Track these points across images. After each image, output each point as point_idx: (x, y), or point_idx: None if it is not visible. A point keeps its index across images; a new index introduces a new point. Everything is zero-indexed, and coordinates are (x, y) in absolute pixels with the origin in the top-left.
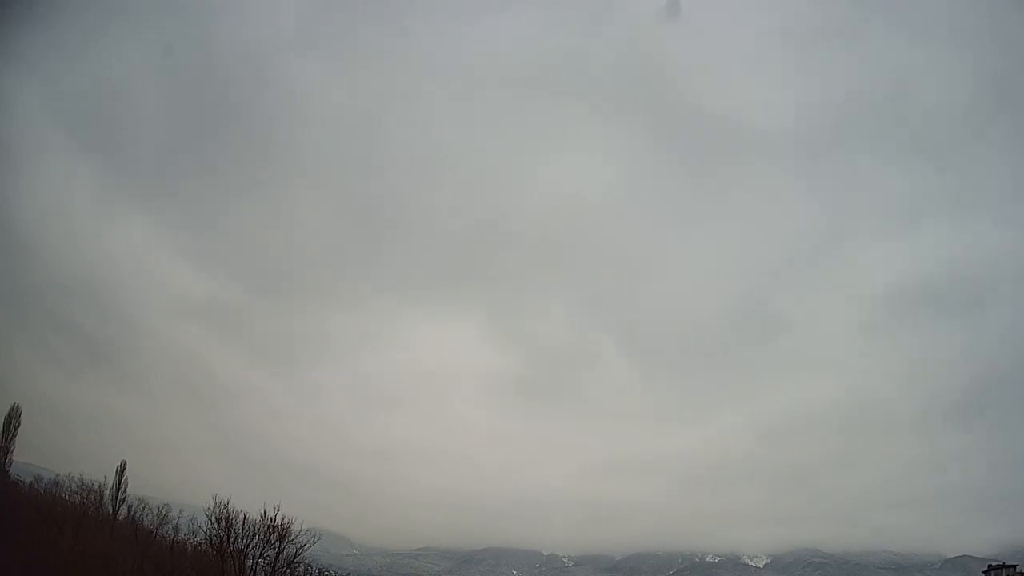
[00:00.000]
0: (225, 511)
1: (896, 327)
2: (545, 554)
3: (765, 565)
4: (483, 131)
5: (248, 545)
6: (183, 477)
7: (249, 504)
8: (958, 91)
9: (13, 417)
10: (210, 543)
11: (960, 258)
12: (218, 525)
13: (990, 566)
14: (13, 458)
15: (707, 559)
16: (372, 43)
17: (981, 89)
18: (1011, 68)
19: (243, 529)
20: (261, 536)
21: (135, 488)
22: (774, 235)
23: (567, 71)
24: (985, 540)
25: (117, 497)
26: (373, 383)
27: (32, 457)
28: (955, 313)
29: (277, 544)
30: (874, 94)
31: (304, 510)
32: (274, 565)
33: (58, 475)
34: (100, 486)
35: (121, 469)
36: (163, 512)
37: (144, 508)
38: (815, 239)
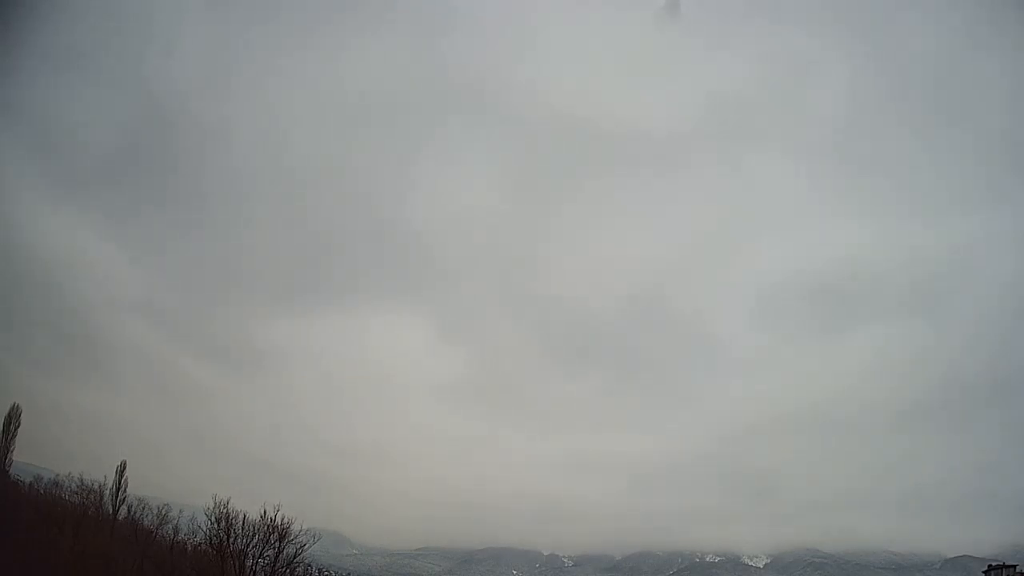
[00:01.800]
0: (225, 511)
1: (852, 325)
2: (545, 554)
3: (765, 565)
4: (379, 145)
5: (248, 545)
6: (183, 477)
7: (249, 504)
8: (853, 86)
9: (13, 417)
10: (210, 543)
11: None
12: (218, 525)
13: (990, 566)
14: (13, 458)
15: (707, 559)
16: (284, 73)
17: (876, 83)
18: (906, 61)
19: (243, 529)
20: (261, 536)
21: (135, 488)
22: (688, 238)
23: (456, 85)
24: (985, 540)
25: (117, 497)
26: (353, 385)
27: (32, 457)
28: (918, 312)
29: (277, 544)
30: (767, 90)
31: (304, 510)
32: (274, 565)
33: (58, 475)
34: (100, 486)
35: (121, 469)
36: (163, 512)
37: (144, 508)
38: (723, 240)
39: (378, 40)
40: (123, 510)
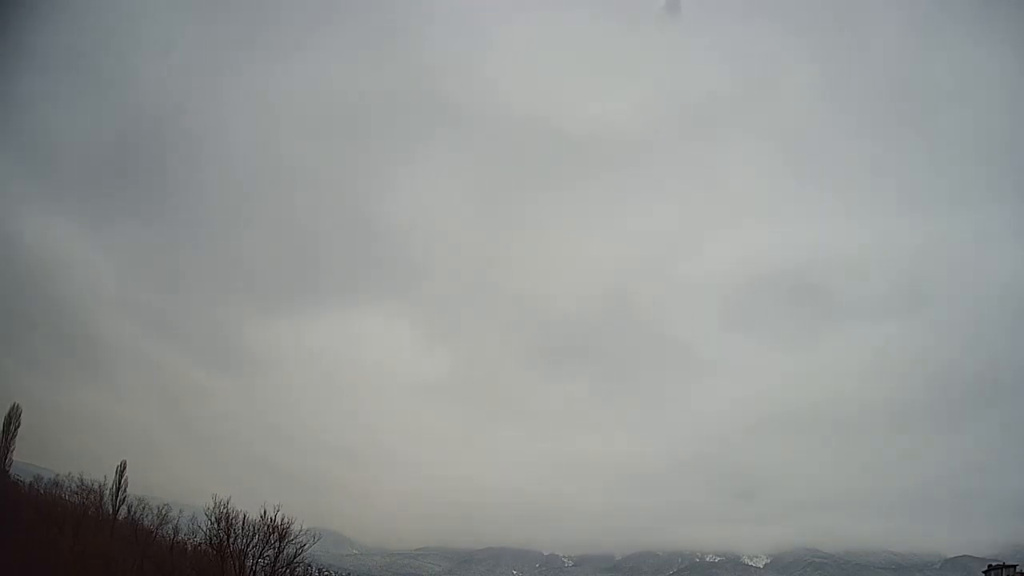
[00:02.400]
0: (225, 511)
1: (849, 324)
2: (545, 554)
3: (765, 565)
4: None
5: (248, 545)
6: (183, 477)
7: (249, 504)
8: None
9: (13, 417)
10: (210, 543)
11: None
12: (218, 525)
13: (990, 566)
14: (13, 458)
15: (707, 559)
16: (272, 81)
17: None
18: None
19: (243, 529)
20: (261, 536)
21: (135, 488)
22: (671, 238)
23: (437, 92)
24: (985, 540)
25: (117, 497)
26: (353, 385)
27: (32, 457)
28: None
29: (277, 544)
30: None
31: (304, 510)
32: (274, 565)
33: (58, 475)
34: (100, 486)
35: (121, 469)
36: (163, 512)
37: (144, 508)
38: (704, 238)
39: (361, 47)
40: (123, 510)
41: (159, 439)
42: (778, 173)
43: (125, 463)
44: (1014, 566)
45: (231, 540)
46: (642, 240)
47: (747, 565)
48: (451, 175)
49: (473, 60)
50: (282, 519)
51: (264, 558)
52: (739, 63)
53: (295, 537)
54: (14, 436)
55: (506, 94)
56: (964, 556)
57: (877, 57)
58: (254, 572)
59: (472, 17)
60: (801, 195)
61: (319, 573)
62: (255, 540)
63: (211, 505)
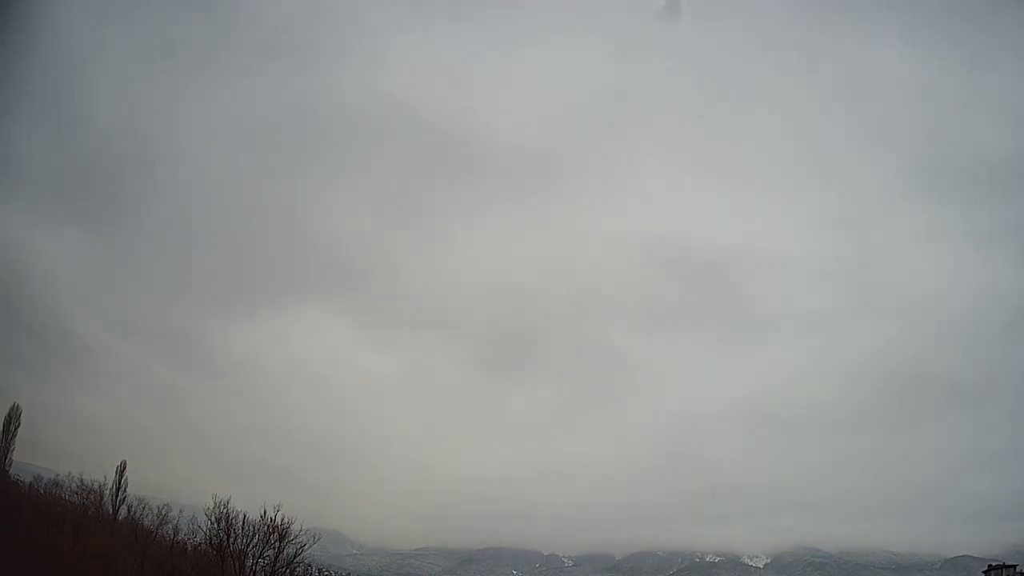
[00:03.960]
0: (225, 511)
1: (847, 322)
2: (545, 554)
3: (765, 565)
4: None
5: (248, 545)
6: (183, 477)
7: (249, 504)
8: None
9: (13, 417)
10: (210, 543)
11: None
12: (218, 525)
13: (990, 566)
14: (13, 458)
15: (707, 559)
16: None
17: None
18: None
19: (243, 529)
20: (261, 536)
21: (135, 488)
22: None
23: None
24: (985, 540)
25: (117, 497)
26: (354, 386)
27: (32, 457)
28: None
29: (277, 544)
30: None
31: (304, 510)
32: (274, 565)
33: (58, 475)
34: (100, 486)
35: (121, 469)
36: (163, 512)
37: (144, 508)
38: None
39: (306, 63)
40: (123, 510)
41: (159, 439)
42: (693, 173)
43: (125, 463)
44: (1014, 566)
45: (231, 540)
46: (582, 242)
47: (747, 565)
48: (391, 185)
49: (406, 71)
50: (282, 519)
51: (264, 558)
52: (647, 61)
53: (295, 537)
54: (14, 436)
55: (440, 108)
56: (964, 556)
57: (812, 53)
58: (254, 572)
59: (403, 25)
60: (740, 196)
61: (319, 573)
62: (255, 540)
63: (211, 505)
